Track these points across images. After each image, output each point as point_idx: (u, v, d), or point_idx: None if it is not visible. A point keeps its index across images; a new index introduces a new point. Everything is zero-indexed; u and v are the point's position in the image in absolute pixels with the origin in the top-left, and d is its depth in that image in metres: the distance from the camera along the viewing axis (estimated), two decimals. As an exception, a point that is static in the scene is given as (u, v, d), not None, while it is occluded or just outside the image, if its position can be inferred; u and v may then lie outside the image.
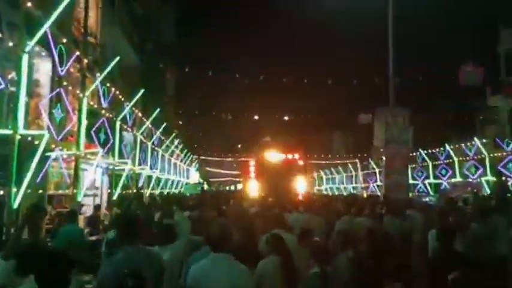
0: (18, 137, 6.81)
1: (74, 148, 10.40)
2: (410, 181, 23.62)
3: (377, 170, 38.42)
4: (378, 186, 37.84)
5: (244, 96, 40.69)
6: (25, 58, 6.96)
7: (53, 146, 8.99)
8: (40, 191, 9.25)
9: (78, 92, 10.70)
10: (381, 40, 15.66)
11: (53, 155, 9.24)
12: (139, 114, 17.64)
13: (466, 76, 25.50)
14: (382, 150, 14.12)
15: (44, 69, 12.30)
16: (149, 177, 20.07)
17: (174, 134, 26.85)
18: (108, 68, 11.12)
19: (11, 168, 6.66)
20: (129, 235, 3.60)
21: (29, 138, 7.58)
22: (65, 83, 9.96)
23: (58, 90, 9.55)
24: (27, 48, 7.18)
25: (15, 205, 7.06)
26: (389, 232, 6.17)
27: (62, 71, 8.85)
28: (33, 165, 7.30)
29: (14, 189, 6.98)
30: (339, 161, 45.60)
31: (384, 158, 14.42)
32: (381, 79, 24.28)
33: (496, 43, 28.34)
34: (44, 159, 8.78)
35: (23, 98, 6.89)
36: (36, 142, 7.58)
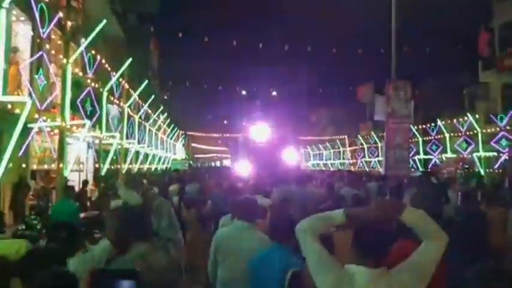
0: (-4, 104, 5.99)
1: (58, 119, 9.56)
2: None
3: (365, 146, 38.32)
4: (365, 162, 37.81)
5: (232, 68, 39.69)
6: (2, 13, 6.07)
7: (36, 116, 8.15)
8: (23, 166, 8.44)
9: (61, 57, 9.77)
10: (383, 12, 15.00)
11: (35, 126, 8.41)
12: (126, 86, 16.70)
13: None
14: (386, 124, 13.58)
15: (23, 34, 11.31)
16: (137, 153, 19.26)
17: (161, 108, 25.92)
18: (94, 33, 10.19)
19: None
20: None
21: (9, 106, 6.74)
22: (47, 46, 9.02)
23: (40, 53, 8.62)
24: (5, 4, 6.27)
25: (-4, 181, 6.31)
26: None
27: (43, 33, 7.93)
28: (15, 136, 6.51)
29: (-6, 163, 6.20)
30: (327, 137, 45.32)
31: (385, 133, 13.91)
32: (376, 53, 23.66)
33: (490, 17, 27.89)
34: (25, 130, 7.97)
35: (1, 59, 6.03)
36: (17, 111, 6.75)
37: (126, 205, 4.50)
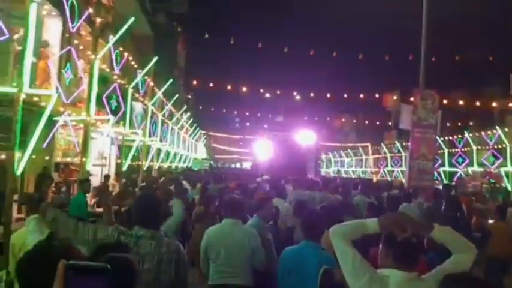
0: (23, 95, 6.07)
1: (83, 114, 9.68)
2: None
3: (388, 155, 37.67)
4: (388, 171, 37.13)
5: (256, 71, 39.65)
6: (33, 7, 6.15)
7: (61, 109, 8.27)
8: (46, 158, 8.57)
9: (89, 53, 9.90)
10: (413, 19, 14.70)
11: (60, 119, 8.52)
12: (152, 84, 16.84)
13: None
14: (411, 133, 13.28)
15: (54, 30, 11.53)
16: (158, 150, 19.40)
17: (184, 107, 26.08)
18: (123, 29, 10.28)
19: (15, 130, 5.93)
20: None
21: (35, 99, 6.84)
22: (76, 41, 9.15)
23: (68, 48, 8.75)
24: (36, -2, 6.36)
25: (19, 171, 6.39)
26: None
27: (73, 27, 8.04)
28: (39, 128, 6.59)
29: (18, 154, 6.28)
30: (350, 144, 44.77)
31: (410, 143, 13.60)
32: (404, 60, 23.22)
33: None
34: (51, 123, 8.08)
35: (30, 51, 6.13)
36: (43, 104, 6.84)
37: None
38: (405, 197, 8.28)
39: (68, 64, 8.92)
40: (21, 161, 6.34)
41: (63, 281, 1.40)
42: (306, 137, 22.87)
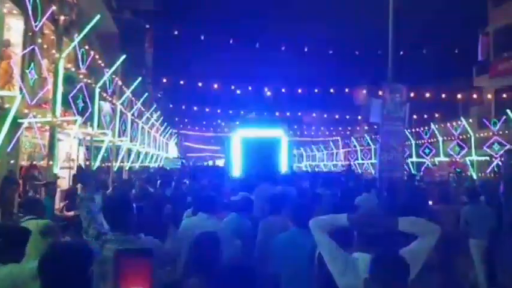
0: (-16, 98, 5.80)
1: (49, 115, 9.35)
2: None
3: (358, 148, 38.36)
4: (358, 164, 37.82)
5: (226, 68, 39.45)
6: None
7: (26, 111, 7.96)
8: (12, 161, 8.24)
9: (54, 52, 9.57)
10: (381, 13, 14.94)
11: (25, 121, 8.21)
12: (120, 83, 16.48)
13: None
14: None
15: (16, 28, 11.08)
16: (129, 150, 19.04)
17: (154, 106, 25.68)
18: (88, 27, 9.98)
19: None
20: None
21: (-1, 101, 6.56)
22: (39, 40, 8.82)
23: (31, 47, 8.42)
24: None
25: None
26: None
27: (36, 26, 7.74)
28: (3, 131, 6.32)
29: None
30: (321, 138, 45.30)
31: (379, 136, 13.85)
32: (372, 55, 23.59)
33: (484, 22, 28.01)
34: (15, 125, 7.77)
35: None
36: (7, 106, 6.56)
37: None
38: (365, 187, 8.99)
39: (32, 64, 8.58)
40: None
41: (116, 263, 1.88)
42: (278, 132, 22.91)
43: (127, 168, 18.68)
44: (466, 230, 6.79)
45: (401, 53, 18.99)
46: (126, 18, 26.87)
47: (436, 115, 30.64)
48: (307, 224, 3.82)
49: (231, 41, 26.74)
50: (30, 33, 8.73)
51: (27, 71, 8.43)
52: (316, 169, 42.13)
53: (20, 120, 8.20)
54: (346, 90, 29.63)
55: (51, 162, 9.03)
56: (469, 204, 7.17)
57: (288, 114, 36.70)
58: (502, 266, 6.06)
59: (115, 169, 15.57)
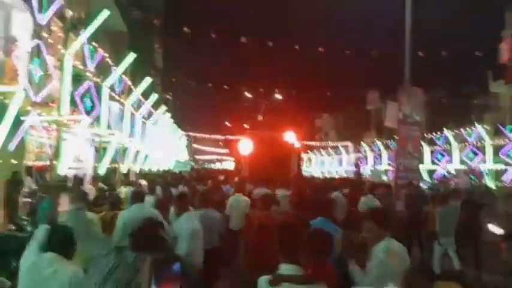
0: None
1: (54, 114, 9.01)
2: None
3: (369, 154, 37.66)
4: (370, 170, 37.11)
5: (237, 70, 39.09)
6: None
7: (29, 108, 7.61)
8: (14, 161, 7.89)
9: (60, 47, 9.23)
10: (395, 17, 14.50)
11: (28, 119, 7.85)
12: (129, 82, 16.14)
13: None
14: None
15: (22, 24, 10.79)
16: (137, 152, 18.66)
17: (165, 108, 25.36)
18: (95, 23, 9.62)
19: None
20: None
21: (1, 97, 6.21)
22: (45, 34, 8.49)
23: (36, 42, 8.08)
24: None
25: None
26: None
27: (41, 19, 7.39)
28: (4, 129, 5.97)
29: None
30: (331, 143, 44.73)
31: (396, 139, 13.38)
32: (385, 59, 23.07)
33: (500, 26, 27.38)
34: (18, 124, 7.43)
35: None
36: (7, 101, 6.21)
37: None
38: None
39: (36, 59, 8.24)
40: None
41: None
42: (288, 136, 22.51)
43: (137, 170, 18.31)
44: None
45: (421, 54, 18.48)
46: (135, 16, 26.59)
47: (450, 121, 29.90)
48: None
49: (240, 42, 26.28)
50: (37, 28, 8.40)
51: (31, 65, 8.08)
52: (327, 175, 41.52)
53: (22, 118, 7.85)
54: (359, 94, 29.05)
55: (55, 162, 8.68)
56: (442, 207, 7.99)
57: (298, 118, 36.15)
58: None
59: (122, 171, 15.20)
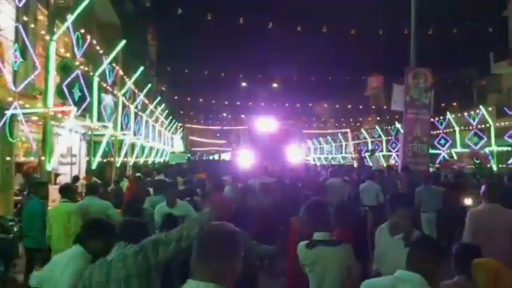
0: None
1: (40, 105, 8.34)
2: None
3: (369, 140, 37.14)
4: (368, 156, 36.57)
5: (232, 60, 38.28)
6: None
7: (10, 99, 6.94)
8: (7, 158, 7.22)
9: (43, 33, 8.52)
10: None
11: (9, 112, 7.18)
12: (121, 73, 15.42)
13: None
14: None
15: (6, 14, 10.08)
16: (133, 145, 18.03)
17: (158, 98, 24.66)
18: (81, 7, 8.89)
19: None
20: None
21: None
22: (25, 18, 7.78)
23: (15, 25, 7.38)
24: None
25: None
26: None
27: (19, 1, 6.69)
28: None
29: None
30: (329, 130, 44.14)
31: (401, 125, 12.77)
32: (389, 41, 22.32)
33: (503, 7, 26.68)
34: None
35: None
36: (-17, 91, 5.55)
37: None
38: (368, 176, 9.72)
39: (16, 45, 7.54)
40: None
41: None
42: (286, 123, 22.10)
43: (131, 163, 17.70)
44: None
45: (430, 32, 17.80)
46: (127, 9, 25.76)
47: (454, 103, 29.32)
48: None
49: (235, 31, 25.48)
50: (16, 11, 7.68)
51: (10, 52, 7.39)
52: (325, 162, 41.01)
53: (6, 112, 7.18)
54: (361, 77, 28.32)
55: (43, 158, 8.04)
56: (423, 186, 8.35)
57: (298, 105, 35.51)
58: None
59: (117, 165, 14.58)
